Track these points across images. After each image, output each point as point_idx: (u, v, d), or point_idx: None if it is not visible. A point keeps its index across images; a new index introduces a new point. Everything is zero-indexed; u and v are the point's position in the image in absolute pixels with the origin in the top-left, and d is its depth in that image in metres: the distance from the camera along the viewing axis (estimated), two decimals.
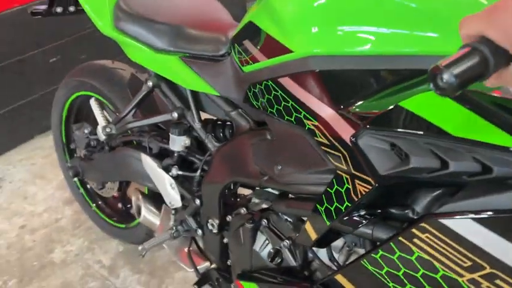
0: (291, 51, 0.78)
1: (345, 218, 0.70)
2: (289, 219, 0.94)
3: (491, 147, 0.54)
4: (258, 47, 0.87)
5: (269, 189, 1.02)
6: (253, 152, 0.94)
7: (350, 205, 0.68)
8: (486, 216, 0.54)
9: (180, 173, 1.18)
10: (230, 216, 1.08)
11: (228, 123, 1.10)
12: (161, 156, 1.24)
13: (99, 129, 1.26)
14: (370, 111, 0.68)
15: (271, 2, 0.81)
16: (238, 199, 1.11)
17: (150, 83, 1.15)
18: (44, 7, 1.47)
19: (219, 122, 1.12)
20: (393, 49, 0.66)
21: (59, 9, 1.46)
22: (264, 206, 1.03)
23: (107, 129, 1.24)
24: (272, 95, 0.84)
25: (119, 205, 1.73)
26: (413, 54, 0.64)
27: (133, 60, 1.18)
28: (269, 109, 0.85)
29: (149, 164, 1.21)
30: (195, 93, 1.12)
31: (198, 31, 1.06)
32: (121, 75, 1.43)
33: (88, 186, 1.73)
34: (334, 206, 0.72)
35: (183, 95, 1.15)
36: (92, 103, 1.32)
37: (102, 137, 1.25)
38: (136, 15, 1.11)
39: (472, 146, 0.56)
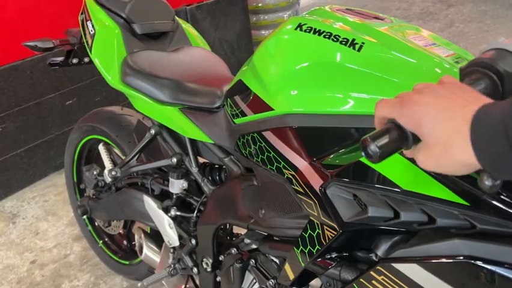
0: (271, 109, 0.88)
1: (317, 260, 0.78)
2: (274, 259, 1.01)
3: (435, 200, 0.62)
4: (246, 103, 0.97)
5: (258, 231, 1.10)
6: (242, 196, 1.03)
7: (320, 248, 0.76)
8: (431, 262, 0.61)
9: (178, 213, 1.26)
10: (223, 256, 1.15)
11: (220, 168, 1.19)
12: (163, 197, 1.33)
13: (105, 172, 1.37)
14: (337, 164, 0.77)
15: (255, 64, 0.92)
16: (232, 239, 1.18)
17: (153, 131, 1.26)
18: (61, 59, 1.62)
19: (214, 167, 1.21)
20: (356, 110, 0.75)
21: (75, 61, 1.61)
22: (254, 246, 1.10)
23: (113, 172, 1.34)
24: (257, 145, 0.93)
25: (124, 242, 1.81)
26: (370, 114, 0.73)
27: (139, 111, 1.29)
28: (255, 158, 0.95)
29: (150, 204, 1.30)
30: (192, 141, 1.22)
31: (196, 85, 1.17)
32: (128, 121, 1.55)
33: (96, 223, 1.82)
34: (308, 249, 0.79)
35: (182, 142, 1.25)
36: (100, 148, 1.44)
37: (108, 179, 1.35)
38: (141, 71, 1.23)
39: (420, 199, 0.64)
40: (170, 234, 1.26)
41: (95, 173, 1.59)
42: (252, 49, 3.71)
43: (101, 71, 1.30)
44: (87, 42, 1.34)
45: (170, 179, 1.24)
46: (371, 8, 5.32)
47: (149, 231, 1.51)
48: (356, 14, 0.89)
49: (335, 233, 0.73)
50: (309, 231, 0.79)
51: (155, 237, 1.45)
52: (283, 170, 0.86)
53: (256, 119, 0.93)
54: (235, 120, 1.02)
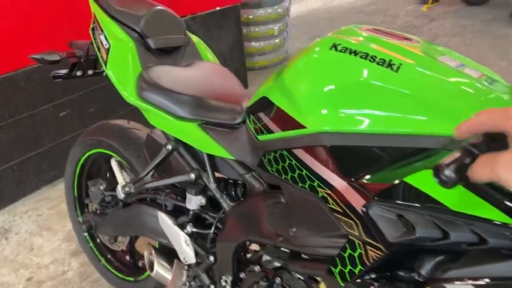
0: (303, 127, 0.88)
1: (357, 280, 0.78)
2: (301, 278, 1.01)
3: (485, 221, 0.64)
4: (272, 120, 0.98)
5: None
6: (268, 214, 1.02)
7: (362, 268, 0.76)
8: (483, 283, 0.62)
9: (195, 230, 1.25)
10: (243, 273, 1.14)
11: (241, 183, 1.19)
12: (175, 213, 1.31)
13: (119, 188, 1.34)
14: (378, 184, 0.77)
15: (285, 83, 0.92)
16: (249, 255, 1.17)
17: (169, 147, 1.25)
18: (64, 71, 1.60)
19: (233, 182, 1.20)
20: (394, 129, 0.77)
21: (78, 73, 1.59)
22: (277, 264, 1.09)
23: (126, 188, 1.32)
24: (287, 163, 0.93)
25: (127, 258, 1.78)
26: (407, 134, 0.75)
27: (153, 126, 1.28)
28: (283, 175, 0.95)
29: (165, 221, 1.29)
30: (210, 156, 1.21)
31: (216, 101, 1.17)
32: (136, 135, 1.53)
33: (98, 240, 1.78)
34: (348, 269, 0.79)
35: (199, 158, 1.24)
36: (113, 163, 1.41)
37: (121, 195, 1.33)
38: (159, 87, 1.22)
39: (469, 220, 0.65)
40: (187, 251, 1.24)
41: (101, 188, 1.56)
42: (243, 60, 3.72)
43: (116, 85, 1.28)
44: (101, 56, 1.32)
45: (188, 195, 1.22)
46: (357, 21, 5.43)
47: (157, 247, 1.49)
48: (385, 34, 0.91)
49: (380, 253, 0.73)
50: (349, 250, 0.80)
51: (166, 253, 1.43)
52: (317, 189, 0.86)
53: (285, 136, 0.93)
54: (258, 137, 1.02)
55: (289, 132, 0.92)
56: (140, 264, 1.73)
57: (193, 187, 1.21)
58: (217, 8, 3.31)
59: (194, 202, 1.22)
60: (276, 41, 4.08)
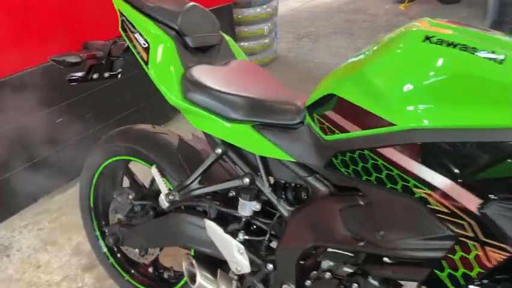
0: (391, 124, 0.83)
1: (475, 283, 0.74)
2: (377, 283, 0.96)
3: None
4: (346, 118, 0.92)
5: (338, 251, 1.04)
6: (343, 217, 0.97)
7: (483, 271, 0.72)
8: None
9: (247, 237, 1.18)
10: (309, 281, 1.08)
11: (299, 187, 1.13)
12: (221, 221, 1.24)
13: (162, 196, 1.25)
14: (490, 182, 0.74)
15: (368, 78, 0.87)
16: (311, 261, 1.11)
17: (219, 150, 1.18)
18: (80, 74, 1.50)
19: (290, 186, 1.15)
20: (493, 123, 0.73)
21: (95, 76, 1.49)
22: (349, 269, 1.04)
23: (171, 197, 1.23)
24: (370, 163, 0.88)
25: (150, 270, 1.68)
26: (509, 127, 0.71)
27: (199, 129, 1.20)
28: (364, 176, 0.90)
29: (214, 229, 1.21)
30: (263, 159, 1.15)
31: (270, 101, 1.11)
32: (166, 140, 1.44)
33: (119, 255, 1.68)
34: (460, 272, 0.75)
35: (250, 161, 1.17)
36: (154, 171, 1.32)
37: (165, 204, 1.24)
38: (207, 87, 1.15)
39: None
40: (241, 260, 1.17)
41: (130, 197, 1.46)
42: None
43: (158, 86, 1.20)
44: (140, 56, 1.23)
45: (241, 201, 1.16)
46: (337, 21, 5.46)
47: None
48: (469, 26, 0.88)
49: (506, 254, 0.69)
50: (461, 252, 0.75)
51: (207, 263, 1.35)
52: (413, 189, 0.81)
53: (365, 135, 0.88)
54: (326, 137, 0.97)
55: (373, 131, 0.87)
56: (166, 276, 1.64)
57: (247, 192, 1.15)
58: (211, 8, 3.23)
59: (248, 208, 1.15)
60: (266, 40, 4.04)
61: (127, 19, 1.27)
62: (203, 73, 1.19)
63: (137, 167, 1.59)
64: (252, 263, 1.18)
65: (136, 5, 1.27)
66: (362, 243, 0.94)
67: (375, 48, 0.93)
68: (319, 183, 1.05)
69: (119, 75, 1.57)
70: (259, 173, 1.16)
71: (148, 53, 1.20)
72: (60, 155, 2.44)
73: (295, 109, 1.07)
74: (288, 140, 1.07)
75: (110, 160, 1.57)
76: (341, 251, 1.04)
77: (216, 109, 1.14)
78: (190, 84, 1.16)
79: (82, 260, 1.98)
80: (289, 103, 1.09)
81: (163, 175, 1.31)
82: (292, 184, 1.14)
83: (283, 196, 1.14)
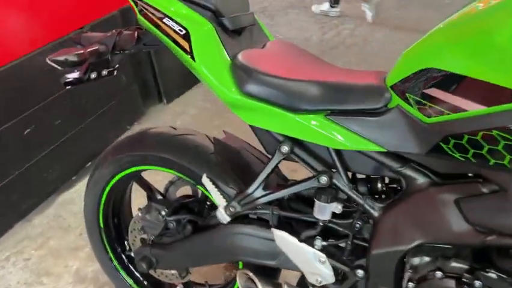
0: None
1: None
2: (507, 277, 0.86)
3: None
4: (459, 95, 0.80)
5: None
6: (463, 209, 0.85)
7: None
8: None
9: (325, 243, 1.04)
10: (411, 283, 0.96)
11: (387, 179, 1.00)
12: (288, 228, 1.08)
13: (221, 210, 1.06)
14: None
15: (495, 46, 0.74)
16: (412, 261, 0.99)
17: (286, 149, 1.00)
18: (76, 75, 1.24)
19: (374, 180, 1.01)
20: None
21: (93, 75, 1.24)
22: (455, 264, 0.93)
23: (231, 209, 1.05)
24: (501, 145, 0.76)
25: None
26: None
27: (257, 127, 1.02)
28: (493, 160, 0.78)
29: (285, 239, 1.05)
30: (339, 152, 1.00)
31: (346, 84, 0.95)
32: (196, 143, 1.24)
33: (145, 282, 1.47)
34: None
35: (323, 157, 1.02)
36: (206, 181, 1.11)
37: (226, 218, 1.06)
38: (268, 76, 0.96)
39: None
40: (323, 271, 1.03)
41: (163, 213, 1.25)
42: None
43: (209, 81, 0.99)
44: (179, 46, 1.00)
45: (319, 204, 1.00)
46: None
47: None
48: None
49: None
50: None
51: (266, 277, 1.19)
52: None
53: (494, 112, 0.76)
54: (428, 120, 0.84)
55: (503, 107, 0.75)
56: None
57: (326, 193, 0.99)
58: None
59: (327, 211, 1.00)
60: None
61: (146, 3, 1.04)
62: (255, 60, 1.00)
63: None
64: (335, 271, 1.03)
65: None
66: (491, 237, 0.83)
67: (481, 8, 0.80)
68: (417, 173, 0.92)
69: (115, 72, 1.33)
70: (333, 169, 1.01)
71: (189, 41, 0.99)
72: (32, 171, 2.13)
73: (377, 90, 0.92)
74: (373, 128, 0.92)
75: (125, 172, 1.34)
76: (445, 246, 0.93)
77: (281, 100, 0.96)
78: (246, 75, 0.97)
79: (88, 287, 1.73)
80: (366, 84, 0.95)
81: (217, 185, 1.11)
82: (377, 177, 1.01)
83: (367, 192, 1.00)
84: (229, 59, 1.01)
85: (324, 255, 1.02)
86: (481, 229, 0.84)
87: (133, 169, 1.32)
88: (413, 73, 0.86)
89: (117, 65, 1.32)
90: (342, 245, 1.04)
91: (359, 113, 0.93)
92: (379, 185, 1.01)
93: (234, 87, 0.98)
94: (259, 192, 1.05)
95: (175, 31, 1.00)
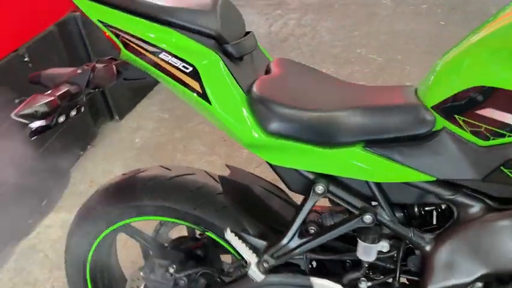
0: None
1: None
2: None
3: None
4: None
5: None
6: None
7: None
8: None
9: (370, 284, 0.94)
10: None
11: (434, 208, 0.91)
12: (325, 273, 0.97)
13: (253, 267, 0.92)
14: None
15: None
16: None
17: (321, 188, 0.88)
18: (41, 122, 1.02)
19: (420, 210, 0.92)
20: None
21: (62, 119, 1.04)
22: None
23: (265, 264, 0.91)
24: None
25: None
26: None
27: (284, 167, 0.88)
28: None
29: (326, 287, 0.93)
30: (379, 185, 0.89)
31: (383, 109, 0.85)
32: (197, 183, 1.08)
33: None
34: None
35: (361, 192, 0.91)
36: (230, 235, 0.95)
37: (260, 276, 0.91)
38: (294, 109, 0.83)
39: None
40: None
41: (172, 270, 1.08)
42: None
43: (231, 125, 0.83)
44: (186, 85, 0.83)
45: (364, 245, 0.89)
46: None
47: None
48: None
49: None
50: None
51: None
52: None
53: None
54: (484, 143, 0.76)
55: None
56: None
57: (370, 232, 0.89)
58: None
59: (374, 251, 0.90)
60: None
61: (133, 36, 0.85)
62: (273, 91, 0.86)
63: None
64: None
65: (138, 10, 0.86)
66: None
67: None
68: (471, 199, 0.84)
69: (83, 108, 1.13)
70: (373, 202, 0.90)
71: (199, 81, 0.82)
72: None
73: (418, 112, 0.83)
74: (419, 156, 0.83)
75: (111, 228, 1.15)
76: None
77: (312, 135, 0.84)
78: (269, 111, 0.83)
79: None
80: (404, 106, 0.85)
81: (243, 239, 0.96)
82: (422, 207, 0.92)
83: (411, 223, 0.91)
84: (243, 93, 0.85)
85: None
86: None
87: (123, 223, 1.14)
88: (459, 92, 0.78)
89: (84, 100, 1.12)
90: (389, 280, 0.95)
91: (401, 140, 0.83)
92: (426, 216, 0.92)
93: (256, 127, 0.84)
94: (296, 241, 0.92)
95: (178, 68, 0.83)
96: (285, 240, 0.91)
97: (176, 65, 0.83)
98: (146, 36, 0.85)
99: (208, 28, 0.85)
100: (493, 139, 0.76)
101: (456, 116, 0.79)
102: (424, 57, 3.16)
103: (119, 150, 2.57)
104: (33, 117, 0.90)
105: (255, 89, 0.86)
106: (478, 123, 0.77)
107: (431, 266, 0.88)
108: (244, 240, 0.94)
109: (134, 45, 0.86)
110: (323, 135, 0.83)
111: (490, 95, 0.75)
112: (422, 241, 0.89)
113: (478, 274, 0.85)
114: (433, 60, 0.89)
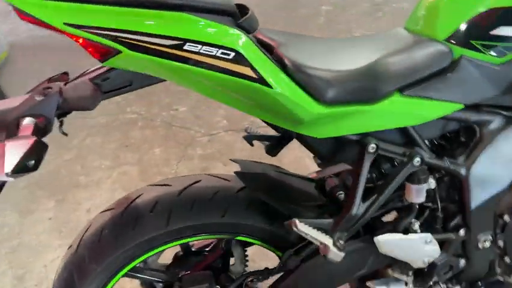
0: None
1: None
2: None
3: None
4: None
5: None
6: None
7: None
8: None
9: (421, 222, 0.97)
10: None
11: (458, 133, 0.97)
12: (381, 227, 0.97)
13: (332, 249, 0.84)
14: None
15: None
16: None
17: (374, 146, 0.85)
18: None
19: (446, 139, 0.97)
20: None
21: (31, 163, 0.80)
22: None
23: (340, 241, 0.85)
24: None
25: None
26: None
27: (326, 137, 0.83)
28: None
29: (389, 241, 0.93)
30: (414, 128, 0.91)
31: (406, 53, 0.85)
32: (214, 188, 0.96)
33: None
34: None
35: (399, 139, 0.91)
36: (300, 225, 0.81)
37: (340, 254, 0.85)
38: (339, 72, 0.78)
39: None
40: (431, 249, 0.96)
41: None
42: None
43: (293, 105, 0.73)
44: (234, 74, 0.68)
45: (413, 187, 0.90)
46: None
47: None
48: None
49: None
50: None
51: None
52: None
53: None
54: (502, 59, 0.86)
55: None
56: None
57: (420, 174, 0.90)
58: None
59: (423, 191, 0.92)
60: None
61: (138, 32, 0.66)
62: (303, 60, 0.78)
63: None
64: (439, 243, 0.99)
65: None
66: None
67: None
68: (492, 115, 0.92)
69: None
70: (418, 145, 0.92)
71: (249, 65, 0.68)
72: None
73: (436, 48, 0.86)
74: (447, 87, 0.87)
75: (119, 275, 0.94)
76: None
77: (360, 95, 0.80)
78: (319, 81, 0.76)
79: None
80: (421, 45, 0.87)
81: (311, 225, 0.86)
82: (446, 136, 0.97)
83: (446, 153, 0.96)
84: (280, 69, 0.76)
85: (429, 235, 0.95)
86: None
87: (134, 263, 0.94)
88: (470, 19, 0.83)
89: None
90: (436, 214, 0.99)
91: (429, 77, 0.86)
92: (453, 142, 0.97)
93: (313, 99, 0.76)
94: (362, 208, 0.88)
95: (217, 57, 0.68)
96: (354, 210, 0.86)
97: (213, 53, 0.68)
98: (157, 29, 0.67)
99: (224, 4, 0.71)
100: (509, 53, 0.83)
101: (472, 42, 0.83)
102: None
103: (3, 195, 2.09)
104: (27, 170, 0.66)
105: (288, 62, 0.76)
106: (494, 43, 0.83)
107: (469, 185, 0.94)
108: (312, 225, 0.86)
109: (144, 43, 0.67)
110: (368, 92, 0.80)
111: (500, 15, 0.81)
112: (456, 166, 0.94)
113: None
114: None
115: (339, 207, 0.93)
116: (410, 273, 1.02)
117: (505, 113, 0.92)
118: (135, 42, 0.67)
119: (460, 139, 0.97)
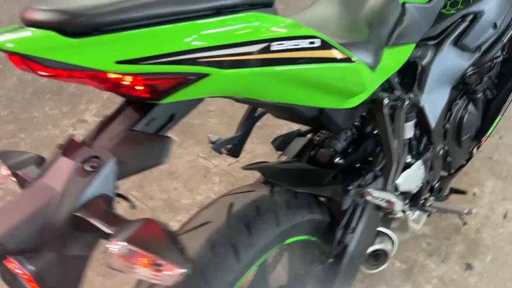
0: None
1: None
2: None
3: None
4: None
5: None
6: None
7: None
8: None
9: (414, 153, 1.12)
10: None
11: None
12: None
13: (397, 201, 0.88)
14: None
15: None
16: None
17: (386, 98, 0.92)
18: None
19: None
20: None
21: None
22: None
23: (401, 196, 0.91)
24: None
25: None
26: None
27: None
28: None
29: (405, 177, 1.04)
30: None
31: (377, 12, 0.95)
32: (251, 200, 0.88)
33: None
34: None
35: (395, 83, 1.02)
36: (370, 195, 0.81)
37: (401, 204, 0.90)
38: (367, 41, 0.82)
39: None
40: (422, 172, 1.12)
41: None
42: None
43: (370, 76, 0.75)
44: (326, 60, 0.65)
45: (408, 125, 1.02)
46: None
47: None
48: None
49: None
50: None
51: None
52: None
53: None
54: None
55: None
56: None
57: (408, 112, 1.02)
58: None
59: (412, 128, 1.05)
60: None
61: (215, 47, 0.54)
62: (331, 30, 0.81)
63: None
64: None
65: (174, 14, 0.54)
66: None
67: None
68: (426, 48, 1.10)
69: None
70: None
71: (333, 47, 0.65)
72: None
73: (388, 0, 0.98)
74: (408, 29, 1.00)
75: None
76: None
77: (371, 52, 0.87)
78: (366, 48, 0.79)
79: None
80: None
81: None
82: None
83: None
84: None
85: (420, 161, 1.11)
86: None
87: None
88: None
89: None
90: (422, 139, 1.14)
91: (396, 26, 0.97)
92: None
93: (369, 68, 0.78)
94: (400, 155, 0.94)
95: (310, 49, 0.61)
96: (395, 160, 0.92)
97: (300, 46, 0.61)
98: (237, 37, 0.56)
99: None
100: None
101: None
102: None
103: None
104: None
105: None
106: None
107: (426, 109, 1.12)
108: (374, 188, 0.89)
109: (230, 58, 0.55)
110: (366, 52, 0.85)
111: None
112: (415, 97, 1.08)
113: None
114: None
115: (349, 171, 0.99)
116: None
117: (432, 42, 1.12)
118: (223, 58, 0.55)
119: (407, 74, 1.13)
